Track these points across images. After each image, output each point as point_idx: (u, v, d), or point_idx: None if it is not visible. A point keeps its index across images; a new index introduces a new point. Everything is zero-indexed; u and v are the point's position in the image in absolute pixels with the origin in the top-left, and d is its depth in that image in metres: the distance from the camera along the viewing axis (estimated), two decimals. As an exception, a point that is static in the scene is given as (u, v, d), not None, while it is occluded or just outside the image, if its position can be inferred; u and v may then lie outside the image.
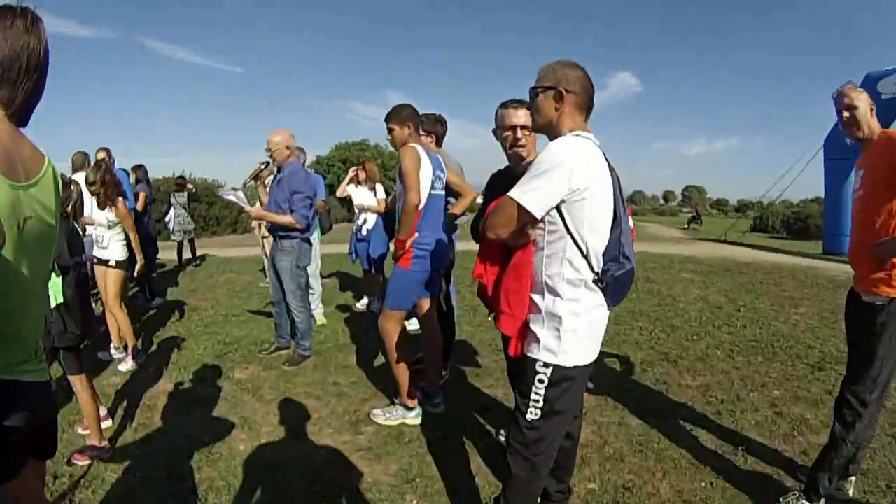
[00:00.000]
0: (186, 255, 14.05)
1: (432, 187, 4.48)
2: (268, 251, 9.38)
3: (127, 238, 6.11)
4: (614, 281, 2.50)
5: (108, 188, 5.86)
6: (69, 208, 4.36)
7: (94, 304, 5.19)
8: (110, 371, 6.14)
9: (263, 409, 5.04)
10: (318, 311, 7.97)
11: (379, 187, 8.50)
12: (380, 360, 6.20)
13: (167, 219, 13.54)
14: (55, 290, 3.99)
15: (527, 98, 2.91)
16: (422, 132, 4.97)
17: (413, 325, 6.73)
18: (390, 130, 4.55)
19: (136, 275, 6.26)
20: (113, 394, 5.47)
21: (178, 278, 11.93)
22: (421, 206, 4.38)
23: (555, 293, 2.49)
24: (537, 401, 2.56)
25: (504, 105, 3.58)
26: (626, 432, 4.47)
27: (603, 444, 4.28)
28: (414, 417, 4.67)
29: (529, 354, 2.58)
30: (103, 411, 4.77)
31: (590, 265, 2.47)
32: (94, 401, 4.25)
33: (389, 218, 7.14)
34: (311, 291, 7.72)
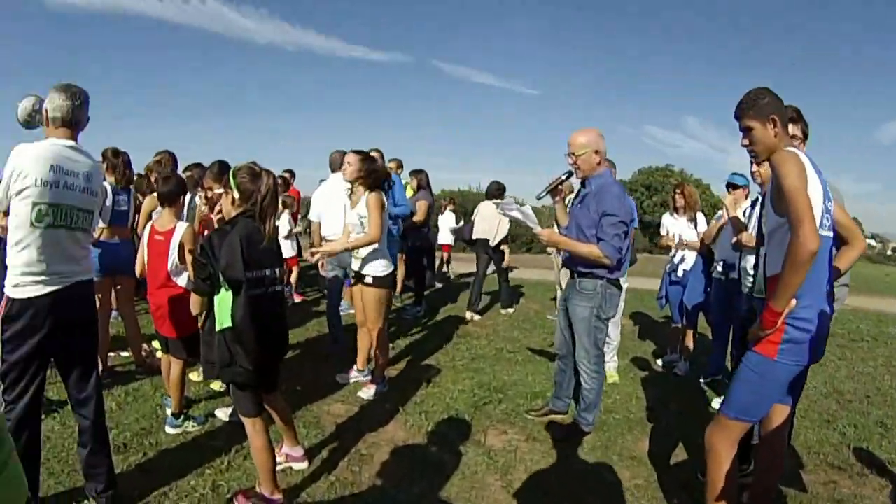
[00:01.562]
0: (466, 268, 13.38)
1: (820, 224, 2.68)
2: (563, 280, 8.11)
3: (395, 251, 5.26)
4: None
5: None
6: (255, 205, 3.35)
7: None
8: (340, 396, 5.27)
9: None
10: (611, 364, 6.30)
11: (700, 217, 6.70)
12: (680, 453, 4.48)
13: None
14: (222, 308, 3.22)
15: None
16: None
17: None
18: (747, 130, 2.92)
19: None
20: (330, 428, 4.57)
21: (460, 294, 11.00)
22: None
23: None
24: None
25: None
26: None
27: None
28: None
29: None
30: (299, 451, 3.93)
31: None
32: (268, 451, 3.37)
33: (709, 257, 6.07)
34: (607, 340, 6.18)
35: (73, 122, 3.23)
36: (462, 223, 14.08)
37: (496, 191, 9.35)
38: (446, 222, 13.97)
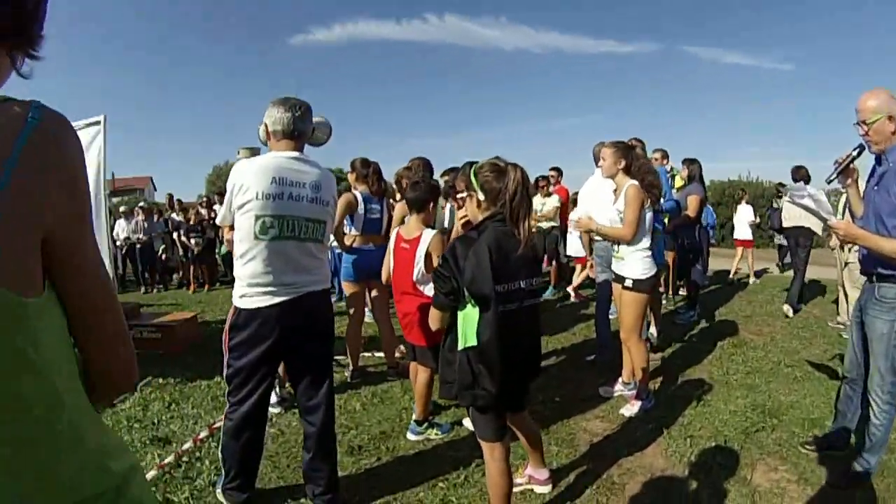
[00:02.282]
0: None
1: None
2: (846, 279, 7.20)
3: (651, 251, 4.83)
4: None
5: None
6: (504, 206, 2.89)
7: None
8: (601, 411, 5.00)
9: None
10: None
11: None
12: None
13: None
14: (466, 325, 2.85)
15: None
16: None
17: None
18: None
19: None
20: (584, 447, 4.30)
21: (735, 295, 10.25)
22: None
23: None
24: None
25: None
26: None
27: None
28: None
29: None
30: (543, 473, 3.65)
31: None
32: (504, 478, 3.03)
33: None
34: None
35: (295, 134, 3.25)
36: (758, 217, 13.13)
37: (804, 176, 8.64)
38: (744, 216, 12.77)
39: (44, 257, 1.04)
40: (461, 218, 3.41)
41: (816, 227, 8.00)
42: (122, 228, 13.85)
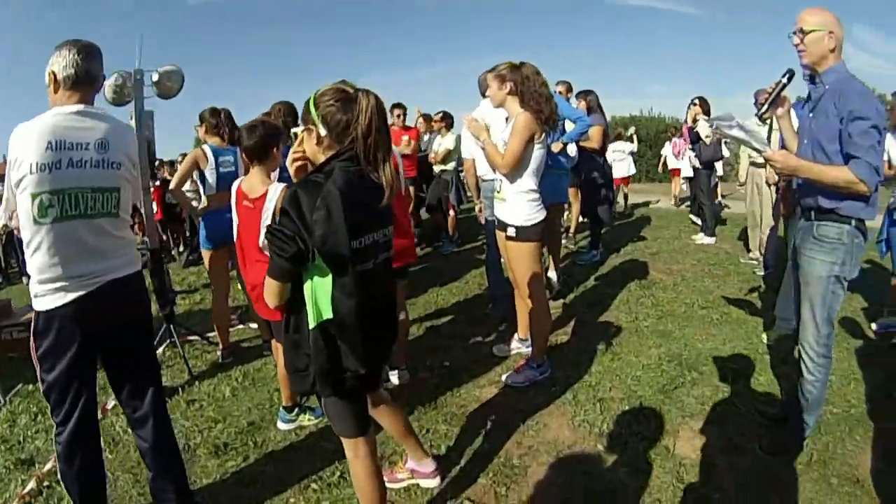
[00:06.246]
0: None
1: None
2: (758, 213, 7.10)
3: None
4: None
5: None
6: (356, 142, 2.24)
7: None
8: (496, 374, 4.51)
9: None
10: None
11: None
12: None
13: None
14: (318, 295, 2.20)
15: None
16: None
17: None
18: None
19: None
20: (478, 422, 3.84)
21: (641, 231, 9.86)
22: None
23: None
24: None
25: None
26: None
27: None
28: None
29: None
30: (428, 466, 3.17)
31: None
32: (373, 480, 2.51)
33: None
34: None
35: (87, 80, 2.63)
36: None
37: (707, 110, 8.61)
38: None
39: None
40: (294, 160, 2.53)
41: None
42: None
